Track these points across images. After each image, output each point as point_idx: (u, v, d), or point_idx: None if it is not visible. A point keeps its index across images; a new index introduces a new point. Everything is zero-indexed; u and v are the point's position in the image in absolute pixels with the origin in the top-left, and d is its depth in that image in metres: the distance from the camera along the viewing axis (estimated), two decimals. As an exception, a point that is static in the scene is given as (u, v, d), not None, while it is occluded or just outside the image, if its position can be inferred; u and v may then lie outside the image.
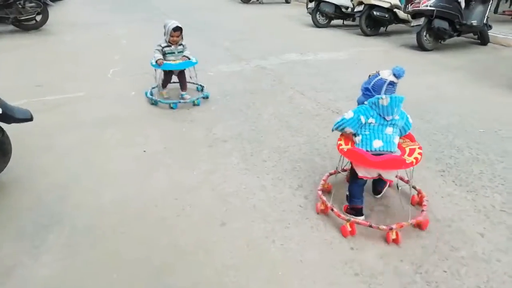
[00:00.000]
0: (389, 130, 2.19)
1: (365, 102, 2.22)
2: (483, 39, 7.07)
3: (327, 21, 8.62)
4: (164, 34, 3.94)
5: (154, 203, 2.47)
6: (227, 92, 4.44)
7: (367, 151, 2.15)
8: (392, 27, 8.15)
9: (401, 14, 7.57)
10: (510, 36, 7.12)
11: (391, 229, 2.11)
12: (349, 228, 2.17)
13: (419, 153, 2.22)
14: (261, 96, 4.31)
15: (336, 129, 2.28)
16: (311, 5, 8.53)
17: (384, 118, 2.16)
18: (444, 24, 6.27)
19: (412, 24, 6.46)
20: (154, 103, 4.01)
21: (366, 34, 7.72)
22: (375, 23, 7.74)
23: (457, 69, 5.46)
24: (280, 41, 7.14)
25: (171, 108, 3.91)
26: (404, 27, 8.48)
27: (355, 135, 2.26)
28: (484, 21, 6.66)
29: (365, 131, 2.20)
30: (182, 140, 3.29)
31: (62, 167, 2.87)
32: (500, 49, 6.78)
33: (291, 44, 6.92)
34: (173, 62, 3.94)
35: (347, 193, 2.35)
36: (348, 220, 2.18)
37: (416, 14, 6.43)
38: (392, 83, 2.21)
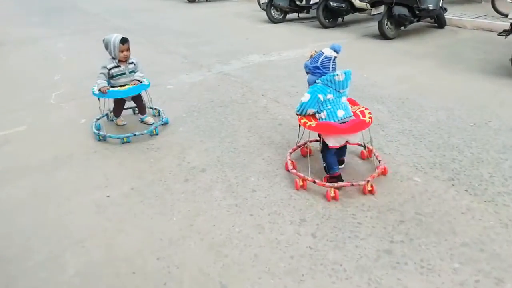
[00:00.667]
0: (343, 99, 2.50)
1: (318, 81, 2.45)
2: (440, 23, 7.07)
3: (282, 15, 8.28)
4: (109, 52, 3.21)
5: (131, 269, 1.98)
6: (193, 107, 3.95)
7: (334, 121, 2.41)
8: (349, 17, 7.98)
9: (357, 3, 7.38)
10: (464, 18, 7.17)
11: (367, 181, 2.45)
12: (332, 194, 2.42)
13: (369, 113, 2.57)
14: (232, 108, 3.87)
15: (300, 114, 2.51)
16: (264, 0, 8.15)
17: (338, 91, 2.43)
18: (404, 11, 6.14)
19: (372, 13, 6.28)
20: (103, 138, 3.28)
21: (324, 26, 7.47)
22: (333, 14, 7.51)
23: (425, 56, 5.33)
24: (239, 41, 6.70)
25: (125, 142, 3.25)
26: (360, 16, 8.36)
27: (317, 112, 2.47)
28: (440, 5, 6.65)
29: (327, 106, 2.43)
30: (151, 175, 2.78)
31: (6, 233, 2.28)
32: (457, 31, 6.80)
33: (251, 44, 6.50)
34: (122, 87, 3.24)
35: (324, 165, 2.61)
36: (333, 186, 2.43)
37: (375, 3, 6.25)
38: (335, 58, 2.48)
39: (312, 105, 2.42)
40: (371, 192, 2.45)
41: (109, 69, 3.22)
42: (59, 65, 5.74)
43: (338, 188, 2.44)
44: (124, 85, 3.27)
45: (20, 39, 7.55)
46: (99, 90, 3.16)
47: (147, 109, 3.66)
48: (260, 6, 9.60)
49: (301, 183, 2.53)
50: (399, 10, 6.09)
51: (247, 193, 2.53)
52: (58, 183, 2.73)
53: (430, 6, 6.36)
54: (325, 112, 2.43)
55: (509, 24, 4.71)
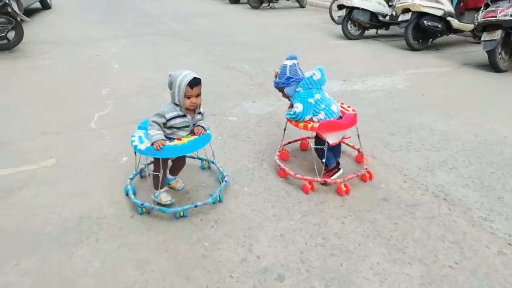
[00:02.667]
0: (326, 94, 2.67)
1: (298, 89, 2.58)
2: None
3: (360, 31, 7.20)
4: (172, 95, 2.25)
5: None
6: (262, 153, 3.03)
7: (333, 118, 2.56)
8: (440, 39, 6.74)
9: (455, 23, 6.16)
10: None
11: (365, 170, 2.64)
12: (344, 188, 2.48)
13: (348, 106, 2.80)
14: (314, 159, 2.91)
15: (298, 121, 2.56)
16: (341, 13, 7.11)
17: (320, 88, 2.62)
18: (528, 39, 4.88)
19: (483, 39, 5.04)
20: (145, 209, 2.31)
21: (412, 48, 6.30)
22: (424, 35, 6.34)
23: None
24: (311, 61, 5.73)
25: (181, 216, 2.29)
26: (453, 38, 7.08)
27: (313, 115, 2.56)
28: None
29: (321, 106, 2.55)
30: (203, 277, 1.89)
31: None
32: None
33: (326, 65, 5.42)
34: (180, 140, 2.28)
35: (324, 161, 2.56)
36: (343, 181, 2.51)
37: (487, 27, 5.02)
38: (298, 64, 2.66)
39: (308, 112, 2.52)
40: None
41: (168, 119, 2.24)
42: (109, 75, 5.09)
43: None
44: (180, 139, 2.32)
45: (76, 40, 7.09)
46: (152, 144, 2.18)
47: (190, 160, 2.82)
48: (332, 18, 8.60)
49: (309, 186, 2.54)
50: (521, 37, 4.84)
51: None
52: (73, 271, 1.91)
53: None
54: (322, 112, 2.54)
55: None
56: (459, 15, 6.37)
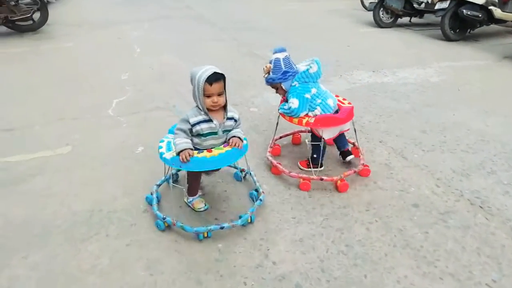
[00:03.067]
0: (322, 87, 2.49)
1: (294, 83, 2.41)
2: None
3: (392, 19, 6.83)
4: (194, 95, 1.96)
5: None
6: (285, 147, 2.87)
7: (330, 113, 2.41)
8: (478, 29, 6.30)
9: (498, 12, 5.72)
10: None
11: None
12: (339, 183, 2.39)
13: (343, 98, 2.62)
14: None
15: (293, 116, 2.42)
16: (373, -1, 6.77)
17: (316, 81, 2.44)
18: None
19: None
20: (167, 224, 2.05)
21: (448, 39, 5.93)
22: (461, 24, 5.93)
23: None
24: (338, 49, 5.47)
25: (205, 237, 2.01)
26: (493, 28, 6.62)
27: (309, 111, 2.41)
28: None
29: (317, 101, 2.40)
30: (214, 282, 1.76)
31: None
32: None
33: (355, 54, 5.24)
34: (209, 152, 1.93)
35: (315, 156, 2.50)
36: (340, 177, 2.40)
37: (535, 16, 4.62)
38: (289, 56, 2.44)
39: (304, 108, 2.39)
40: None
41: (193, 125, 1.96)
42: (131, 59, 5.01)
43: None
44: (211, 150, 1.97)
45: (98, 23, 7.05)
46: (178, 153, 1.89)
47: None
48: (363, 4, 8.24)
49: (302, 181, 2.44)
50: None
51: None
52: (80, 268, 1.83)
53: None
54: (318, 108, 2.41)
55: None
56: (502, 4, 5.91)
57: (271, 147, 2.75)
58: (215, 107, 1.94)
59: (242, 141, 2.03)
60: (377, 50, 5.48)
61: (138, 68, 4.65)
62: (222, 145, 2.04)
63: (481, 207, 2.26)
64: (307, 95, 2.38)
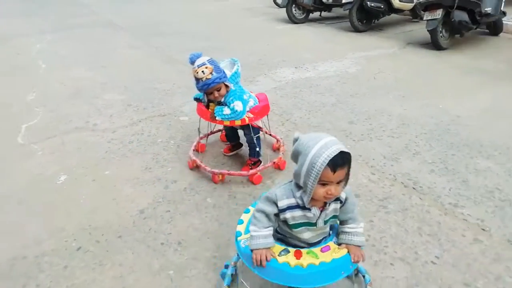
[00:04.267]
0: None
1: (230, 85, 2.35)
2: (495, 29, 5.98)
3: (304, 15, 7.09)
4: (298, 172, 1.31)
5: None
6: (222, 157, 2.79)
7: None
8: (381, 19, 6.82)
9: (396, 3, 6.23)
10: (523, 24, 6.09)
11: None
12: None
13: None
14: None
15: (236, 119, 2.37)
16: (284, -4, 6.94)
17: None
18: (465, 16, 5.03)
19: (425, 18, 5.13)
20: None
21: (357, 30, 6.32)
22: (367, 16, 6.36)
23: (502, 76, 4.23)
24: (259, 47, 5.50)
25: None
26: (394, 18, 7.21)
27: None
28: (500, 8, 5.54)
29: (250, 98, 2.49)
30: None
31: None
32: (517, 41, 5.72)
33: (275, 51, 5.32)
34: (298, 256, 1.37)
35: (258, 150, 2.56)
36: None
37: (429, 6, 5.11)
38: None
39: (246, 109, 2.39)
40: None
41: (281, 210, 1.37)
42: (36, 77, 4.49)
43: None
44: (308, 244, 1.45)
45: (-10, 37, 6.24)
46: (252, 250, 1.38)
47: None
48: (275, 2, 8.43)
49: (220, 177, 2.47)
50: (459, 15, 4.97)
51: None
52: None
53: (489, 10, 5.25)
54: (252, 100, 2.49)
55: None
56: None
57: (195, 146, 2.75)
58: (328, 198, 1.30)
59: (362, 252, 1.40)
60: (295, 46, 5.64)
61: (46, 85, 4.19)
62: (320, 247, 1.39)
63: (414, 188, 2.42)
64: (245, 96, 2.41)
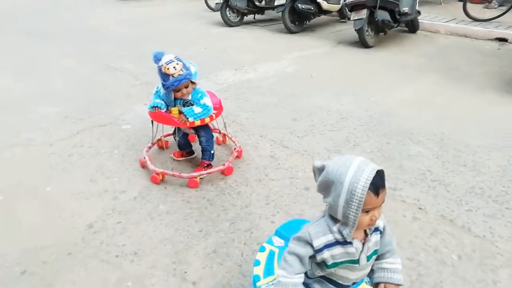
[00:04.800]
0: None
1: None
2: (413, 27, 6.55)
3: (239, 18, 7.19)
4: (333, 203, 1.14)
5: None
6: (171, 162, 2.75)
7: None
8: (312, 21, 7.14)
9: (325, 5, 6.57)
10: (436, 22, 6.74)
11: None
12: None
13: None
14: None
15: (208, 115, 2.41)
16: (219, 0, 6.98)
17: None
18: (386, 15, 5.46)
19: (352, 18, 5.48)
20: None
21: (291, 31, 6.56)
22: (299, 18, 6.63)
23: (422, 70, 4.66)
24: (198, 51, 5.48)
25: None
26: (323, 19, 7.58)
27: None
28: (416, 8, 6.10)
29: None
30: None
31: None
32: (432, 37, 6.32)
33: (214, 55, 5.34)
34: None
35: (213, 152, 2.60)
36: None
37: (355, 7, 5.47)
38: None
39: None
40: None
41: (318, 250, 1.19)
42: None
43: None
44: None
45: None
46: None
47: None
48: (208, 6, 8.45)
49: (160, 177, 2.50)
50: (382, 15, 5.38)
51: None
52: None
53: (406, 9, 5.76)
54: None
55: None
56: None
57: (149, 147, 2.78)
58: (371, 225, 1.17)
59: None
60: (233, 49, 5.70)
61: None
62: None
63: (357, 176, 2.59)
64: (207, 91, 2.50)
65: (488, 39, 6.01)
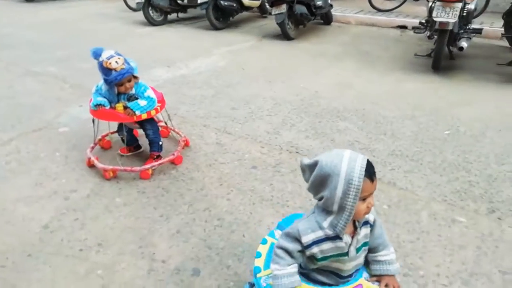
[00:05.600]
0: None
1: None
2: (327, 19, 7.11)
3: (163, 17, 7.15)
4: (330, 197, 1.16)
5: None
6: (119, 158, 2.77)
7: None
8: (235, 17, 7.38)
9: (246, 1, 6.84)
10: (347, 14, 7.39)
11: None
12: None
13: None
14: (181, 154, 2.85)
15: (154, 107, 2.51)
16: (140, -1, 6.86)
17: None
18: (304, 9, 5.89)
19: (273, 13, 5.81)
20: None
21: (216, 28, 6.71)
22: (223, 14, 6.81)
23: (341, 57, 5.14)
24: (126, 51, 5.32)
25: None
26: (245, 15, 7.86)
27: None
28: (328, 1, 6.65)
29: None
30: None
31: None
32: (345, 27, 6.94)
33: (143, 54, 5.28)
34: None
35: (161, 143, 2.67)
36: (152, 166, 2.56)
37: (275, 2, 5.80)
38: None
39: None
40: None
41: (307, 246, 1.22)
42: None
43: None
44: (339, 278, 1.31)
45: None
46: None
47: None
48: (128, 5, 8.24)
49: (111, 174, 2.50)
50: (300, 8, 5.80)
51: None
52: None
53: (320, 3, 6.26)
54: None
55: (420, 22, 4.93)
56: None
57: (94, 143, 2.78)
58: (367, 213, 1.22)
59: (397, 283, 1.32)
60: (161, 47, 5.71)
61: None
62: (351, 287, 1.29)
63: (297, 152, 2.87)
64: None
65: (392, 27, 6.78)
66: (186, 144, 2.87)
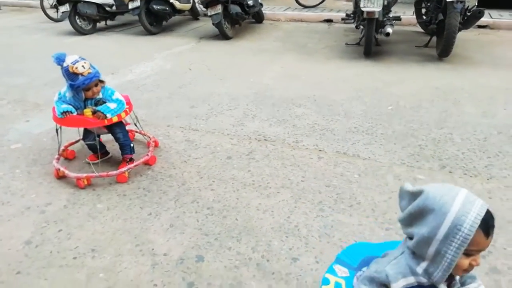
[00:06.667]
0: None
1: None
2: (259, 18, 7.38)
3: (91, 25, 6.85)
4: (424, 240, 0.99)
5: None
6: (89, 167, 2.67)
7: None
8: (169, 21, 7.33)
9: (177, 4, 6.83)
10: (276, 12, 7.73)
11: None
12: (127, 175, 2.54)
13: None
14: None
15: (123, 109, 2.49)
16: (64, 8, 6.45)
17: None
18: (238, 9, 6.07)
19: (209, 14, 5.89)
20: None
21: (151, 33, 6.61)
22: (156, 18, 6.73)
23: (282, 51, 5.40)
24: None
25: None
26: (177, 18, 7.82)
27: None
28: (259, 1, 6.91)
29: None
30: None
31: None
32: (276, 24, 7.25)
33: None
34: None
35: (132, 145, 2.65)
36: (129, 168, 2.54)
37: (209, 3, 5.89)
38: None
39: None
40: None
41: None
42: None
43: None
44: None
45: None
46: None
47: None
48: (48, 16, 7.74)
49: (85, 182, 2.45)
50: (234, 8, 5.96)
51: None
52: None
53: (251, 2, 6.50)
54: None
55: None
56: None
57: (59, 154, 2.69)
58: (467, 271, 1.00)
59: None
60: (98, 55, 5.45)
61: None
62: None
63: (265, 140, 3.01)
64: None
65: (319, 21, 7.25)
66: (156, 145, 2.86)
